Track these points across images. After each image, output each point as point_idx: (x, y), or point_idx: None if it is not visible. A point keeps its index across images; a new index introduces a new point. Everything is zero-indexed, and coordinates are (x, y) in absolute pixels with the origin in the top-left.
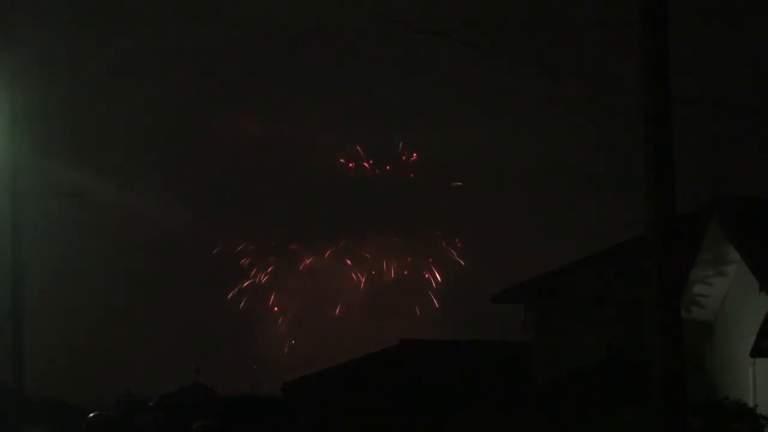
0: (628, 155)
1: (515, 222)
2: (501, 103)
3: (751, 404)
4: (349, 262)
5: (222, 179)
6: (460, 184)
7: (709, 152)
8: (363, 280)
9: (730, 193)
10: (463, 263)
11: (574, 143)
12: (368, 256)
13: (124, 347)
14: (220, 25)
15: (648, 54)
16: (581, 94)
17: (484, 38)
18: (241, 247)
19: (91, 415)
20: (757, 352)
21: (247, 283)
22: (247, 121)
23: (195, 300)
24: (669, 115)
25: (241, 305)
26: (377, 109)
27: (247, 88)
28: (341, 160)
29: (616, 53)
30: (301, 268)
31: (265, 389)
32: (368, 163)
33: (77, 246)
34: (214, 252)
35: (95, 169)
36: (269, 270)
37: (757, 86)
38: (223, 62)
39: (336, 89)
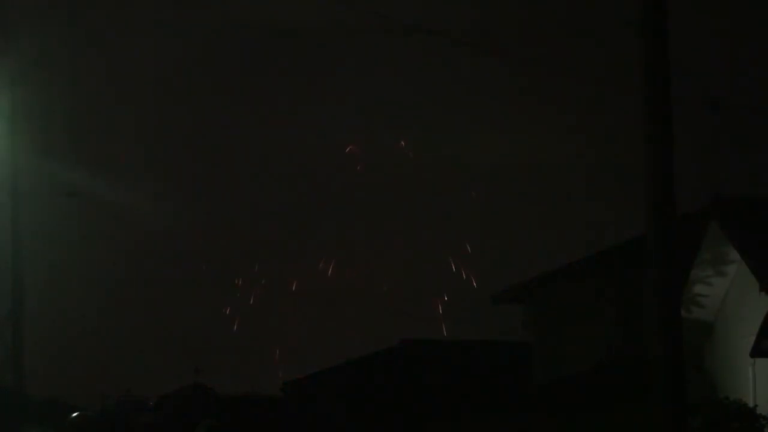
0: (628, 155)
1: (515, 222)
2: (500, 103)
3: (751, 404)
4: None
5: (218, 180)
6: (474, 194)
7: (709, 152)
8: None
9: (730, 193)
10: (475, 284)
11: (574, 143)
12: (371, 263)
13: (124, 347)
14: (220, 24)
15: (648, 53)
16: (582, 93)
17: (483, 38)
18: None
19: (74, 414)
20: (757, 352)
21: (239, 296)
22: (243, 122)
23: (195, 301)
24: (669, 115)
25: (235, 327)
26: (376, 110)
27: (244, 89)
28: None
29: (616, 52)
30: (295, 285)
31: (265, 389)
32: (360, 167)
33: (77, 246)
34: (204, 267)
35: (96, 169)
36: (262, 282)
37: (757, 86)
38: (221, 61)
39: (334, 90)
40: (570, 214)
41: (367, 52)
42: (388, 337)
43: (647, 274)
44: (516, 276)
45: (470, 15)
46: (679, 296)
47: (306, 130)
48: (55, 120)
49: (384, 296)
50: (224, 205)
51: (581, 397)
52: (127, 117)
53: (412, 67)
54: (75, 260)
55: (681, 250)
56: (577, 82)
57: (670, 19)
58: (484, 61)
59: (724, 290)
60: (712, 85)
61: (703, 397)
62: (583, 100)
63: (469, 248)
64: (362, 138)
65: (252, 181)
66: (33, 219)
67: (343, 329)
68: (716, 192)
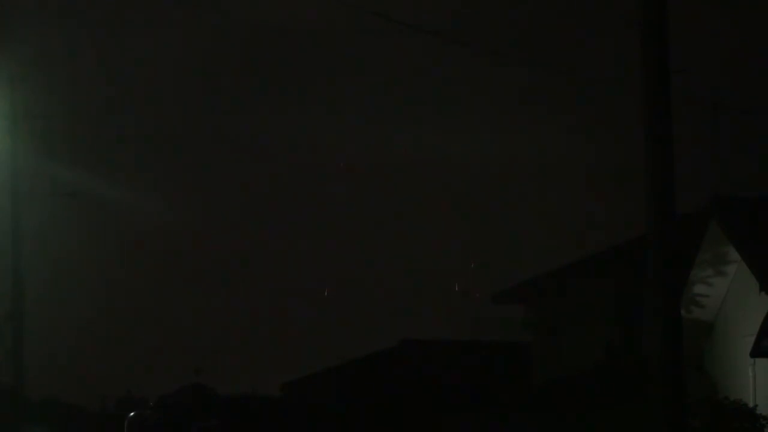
0: (628, 155)
1: (515, 222)
2: (499, 102)
3: (751, 404)
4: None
5: (218, 180)
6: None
7: (709, 152)
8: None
9: (730, 193)
10: (478, 295)
11: (574, 142)
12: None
13: (124, 347)
14: (219, 24)
15: (648, 52)
16: (582, 93)
17: (482, 37)
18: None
19: (132, 414)
20: (757, 352)
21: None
22: (242, 122)
23: (195, 302)
24: (669, 115)
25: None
26: (375, 111)
27: (243, 89)
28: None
29: (617, 53)
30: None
31: (265, 389)
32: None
33: (77, 246)
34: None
35: (96, 169)
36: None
37: (758, 85)
38: (220, 61)
39: (333, 90)
40: (570, 214)
41: (367, 52)
42: (388, 337)
43: (647, 274)
44: (516, 276)
45: (470, 15)
46: (679, 296)
47: (305, 129)
48: (55, 121)
49: (384, 296)
50: (224, 205)
51: (581, 397)
52: (127, 117)
53: (412, 67)
54: (75, 260)
55: (681, 250)
56: (577, 82)
57: (671, 18)
58: (484, 61)
59: (724, 290)
60: (712, 85)
61: (703, 397)
62: (583, 100)
63: (472, 264)
64: (361, 138)
65: (251, 181)
66: (33, 219)
67: (343, 329)
68: (716, 192)
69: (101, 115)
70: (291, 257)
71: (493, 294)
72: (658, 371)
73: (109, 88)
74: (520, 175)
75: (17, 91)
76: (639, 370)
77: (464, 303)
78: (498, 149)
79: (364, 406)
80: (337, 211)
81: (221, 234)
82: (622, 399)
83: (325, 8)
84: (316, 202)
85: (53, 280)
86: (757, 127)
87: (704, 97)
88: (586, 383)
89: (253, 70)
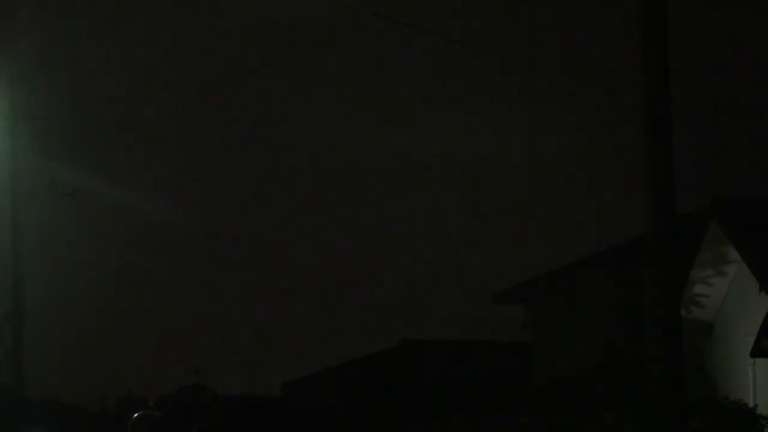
0: (628, 155)
1: (515, 221)
2: (499, 102)
3: (751, 404)
4: None
5: (218, 180)
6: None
7: (710, 152)
8: None
9: (730, 193)
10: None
11: (574, 143)
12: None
13: (124, 347)
14: (220, 23)
15: (647, 52)
16: (582, 92)
17: (483, 38)
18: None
19: (135, 415)
20: (757, 352)
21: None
22: (242, 121)
23: (195, 302)
24: (669, 115)
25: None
26: (375, 111)
27: (243, 88)
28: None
29: (616, 51)
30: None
31: (265, 389)
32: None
33: (77, 246)
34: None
35: (95, 169)
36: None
37: (758, 86)
38: (220, 60)
39: (333, 90)
40: (570, 214)
41: (367, 52)
42: (388, 337)
43: (647, 274)
44: (516, 276)
45: (469, 15)
46: (679, 296)
47: (304, 129)
48: (55, 121)
49: (384, 296)
50: (224, 204)
51: (581, 398)
52: (127, 117)
53: (412, 67)
54: (75, 260)
55: (681, 250)
56: (577, 82)
57: (671, 18)
58: (484, 62)
59: (724, 290)
60: (712, 85)
61: (703, 397)
62: (584, 100)
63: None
64: (361, 138)
65: (251, 181)
66: (33, 219)
67: (343, 329)
68: (716, 192)
69: (101, 114)
70: (291, 257)
71: (493, 294)
72: (658, 371)
73: (110, 88)
74: (520, 175)
75: (17, 91)
76: (639, 370)
77: (466, 303)
78: (498, 149)
79: (364, 407)
80: (337, 210)
81: (221, 234)
82: (622, 399)
83: (325, 8)
84: (316, 202)
85: (53, 280)
86: (757, 127)
87: (704, 97)
88: (586, 383)
89: (253, 70)
